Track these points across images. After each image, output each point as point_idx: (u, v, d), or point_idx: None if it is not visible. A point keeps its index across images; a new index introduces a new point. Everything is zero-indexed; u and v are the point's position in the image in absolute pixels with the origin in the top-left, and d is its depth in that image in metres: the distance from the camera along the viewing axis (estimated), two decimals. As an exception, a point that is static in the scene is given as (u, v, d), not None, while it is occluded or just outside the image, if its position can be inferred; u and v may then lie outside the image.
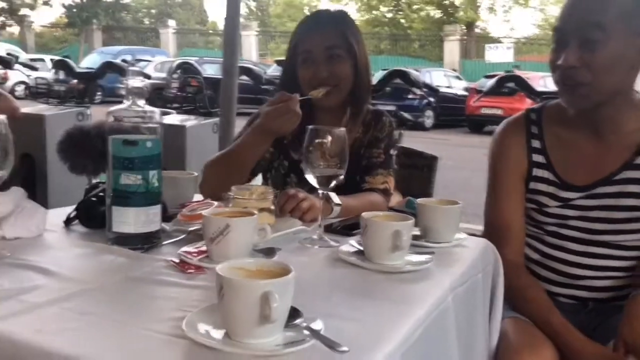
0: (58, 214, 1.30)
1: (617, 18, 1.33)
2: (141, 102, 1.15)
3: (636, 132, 1.44)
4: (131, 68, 1.30)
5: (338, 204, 1.48)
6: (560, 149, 1.51)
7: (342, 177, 1.27)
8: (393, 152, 1.78)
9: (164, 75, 14.69)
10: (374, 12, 31.22)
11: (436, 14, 30.39)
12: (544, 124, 1.54)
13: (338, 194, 1.49)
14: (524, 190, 1.53)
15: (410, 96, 13.15)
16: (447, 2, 30.04)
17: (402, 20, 30.66)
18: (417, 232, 1.30)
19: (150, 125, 1.15)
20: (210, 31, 34.33)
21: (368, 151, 1.74)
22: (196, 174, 1.57)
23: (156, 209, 1.15)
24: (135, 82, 1.14)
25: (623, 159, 1.44)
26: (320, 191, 1.29)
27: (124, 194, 1.12)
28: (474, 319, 1.21)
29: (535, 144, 1.53)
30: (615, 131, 1.45)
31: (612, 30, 1.32)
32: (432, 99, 13.90)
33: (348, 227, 1.37)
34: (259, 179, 1.82)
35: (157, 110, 1.16)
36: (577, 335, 1.36)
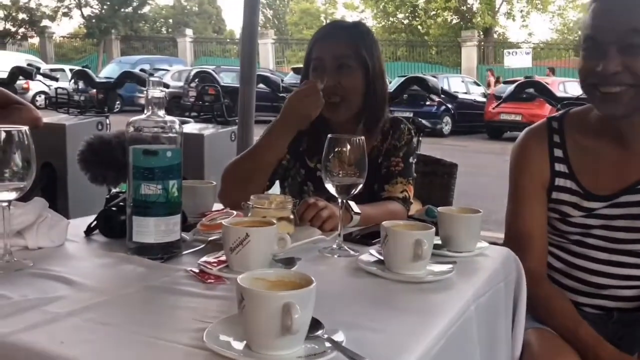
0: (79, 224, 1.31)
1: None
2: (161, 112, 1.15)
3: None
4: (151, 78, 1.31)
5: (358, 213, 1.47)
6: (583, 157, 1.48)
7: (361, 185, 1.26)
8: (412, 160, 1.77)
9: (181, 84, 14.88)
10: (391, 18, 31.23)
11: (453, 19, 30.31)
12: (566, 132, 1.52)
13: (357, 203, 1.48)
14: (545, 200, 1.51)
15: (427, 103, 13.12)
16: (464, 7, 29.95)
17: (419, 27, 30.61)
18: (438, 241, 1.29)
19: (171, 135, 1.15)
20: (228, 40, 34.61)
21: (386, 160, 1.73)
22: (215, 183, 1.58)
23: (176, 219, 1.16)
24: (155, 92, 1.15)
25: None
26: (339, 200, 1.28)
27: (144, 204, 1.12)
28: (496, 329, 1.19)
29: (558, 153, 1.51)
30: (639, 139, 1.42)
31: None
32: (450, 106, 13.83)
33: (367, 236, 1.36)
34: (276, 189, 1.82)
35: (177, 120, 1.17)
36: (608, 346, 1.34)
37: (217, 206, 1.54)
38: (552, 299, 1.44)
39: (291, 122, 1.61)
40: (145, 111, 1.15)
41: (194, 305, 0.93)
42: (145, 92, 1.15)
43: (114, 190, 1.36)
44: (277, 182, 1.82)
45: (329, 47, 1.68)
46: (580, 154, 1.49)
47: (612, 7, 1.35)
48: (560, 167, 1.50)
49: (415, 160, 1.79)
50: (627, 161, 1.44)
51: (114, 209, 1.27)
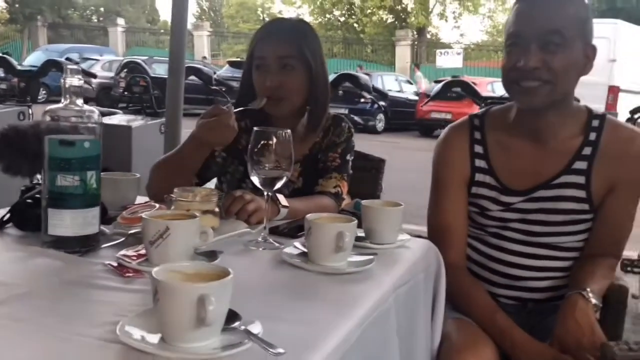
0: (-10, 217, 1.25)
1: (571, 24, 1.40)
2: (79, 102, 1.12)
3: (574, 137, 1.49)
4: (69, 66, 1.24)
5: (285, 206, 1.48)
6: (502, 154, 1.54)
7: (285, 178, 1.27)
8: (349, 157, 1.79)
9: (112, 74, 14.41)
10: (327, 15, 31.40)
11: (388, 18, 30.79)
12: (486, 129, 1.57)
13: (293, 197, 1.49)
14: (466, 194, 1.56)
15: (362, 100, 13.28)
16: (399, 7, 30.47)
17: (355, 25, 30.93)
18: (361, 233, 1.32)
19: (89, 125, 1.12)
20: (161, 30, 33.73)
21: (324, 155, 1.75)
22: (138, 175, 1.54)
23: (94, 211, 1.13)
24: (74, 80, 1.11)
25: (562, 163, 1.49)
26: (265, 193, 1.28)
27: (60, 196, 1.09)
28: (415, 319, 1.23)
29: (478, 149, 1.56)
30: (554, 137, 1.49)
31: (570, 36, 1.39)
32: (383, 103, 14.06)
33: (294, 229, 1.37)
34: (213, 183, 1.80)
35: (95, 109, 1.14)
36: (522, 333, 1.40)
37: (140, 199, 1.51)
38: (470, 289, 1.50)
39: (202, 148, 1.57)
40: (62, 100, 1.11)
41: (111, 300, 0.91)
42: (62, 80, 1.11)
43: (30, 182, 1.31)
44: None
45: (272, 46, 1.67)
46: (500, 151, 1.55)
47: (535, 8, 1.42)
48: (480, 162, 1.55)
49: (352, 157, 1.81)
50: (543, 157, 1.50)
51: (29, 201, 1.22)
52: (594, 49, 1.44)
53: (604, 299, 1.40)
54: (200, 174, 1.67)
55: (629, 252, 2.91)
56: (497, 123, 1.57)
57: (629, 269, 2.93)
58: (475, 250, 1.60)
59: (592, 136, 1.49)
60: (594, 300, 1.35)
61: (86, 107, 1.13)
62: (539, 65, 1.38)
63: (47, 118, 1.11)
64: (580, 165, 1.48)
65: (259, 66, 1.67)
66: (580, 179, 1.48)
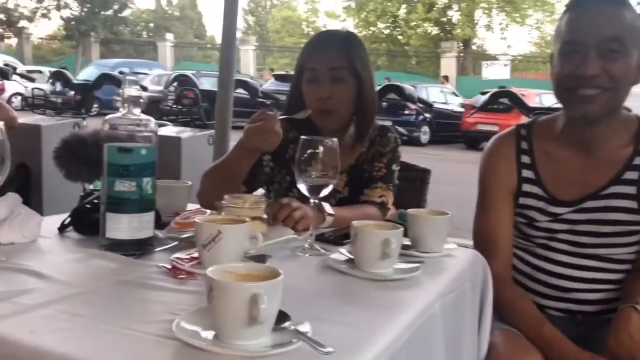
0: (52, 221, 1.31)
1: (629, 32, 1.38)
2: (137, 111, 1.17)
3: (623, 147, 1.47)
4: (128, 77, 1.30)
5: (331, 214, 1.50)
6: (550, 164, 1.53)
7: (331, 186, 1.29)
8: (395, 167, 1.80)
9: (160, 88, 14.78)
10: (372, 28, 31.46)
11: (433, 30, 30.64)
12: (533, 139, 1.56)
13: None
14: (512, 204, 1.55)
15: (406, 112, 13.23)
16: (444, 19, 30.30)
17: (400, 37, 30.89)
18: (407, 242, 1.33)
19: (145, 134, 1.17)
20: (208, 45, 34.51)
21: (369, 165, 1.77)
22: (190, 183, 1.59)
23: (149, 216, 1.17)
24: (131, 90, 1.17)
25: (611, 174, 1.47)
26: (311, 200, 1.31)
27: (117, 201, 1.14)
28: (461, 328, 1.22)
29: (525, 159, 1.55)
30: (604, 147, 1.47)
31: (628, 43, 1.37)
32: (428, 115, 13.96)
33: (340, 237, 1.39)
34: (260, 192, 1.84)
35: (152, 118, 1.19)
36: (570, 344, 1.37)
37: (192, 206, 1.56)
38: (516, 300, 1.48)
39: (249, 153, 1.59)
40: (121, 109, 1.17)
41: (164, 299, 0.94)
42: (121, 90, 1.17)
43: (88, 188, 1.37)
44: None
45: (323, 57, 1.69)
46: (547, 161, 1.53)
47: (592, 15, 1.39)
48: (527, 173, 1.54)
49: (398, 168, 1.82)
50: (592, 168, 1.48)
51: (88, 206, 1.28)
52: None
53: None
54: (248, 183, 1.70)
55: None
56: (545, 133, 1.55)
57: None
58: (522, 262, 1.58)
59: None
60: None
61: (143, 116, 1.17)
62: (598, 73, 1.36)
63: (106, 127, 1.16)
64: (631, 175, 1.45)
65: (310, 78, 1.69)
66: (631, 190, 1.45)
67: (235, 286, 0.74)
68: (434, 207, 2.07)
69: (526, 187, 1.53)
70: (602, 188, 1.47)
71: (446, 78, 20.17)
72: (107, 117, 1.17)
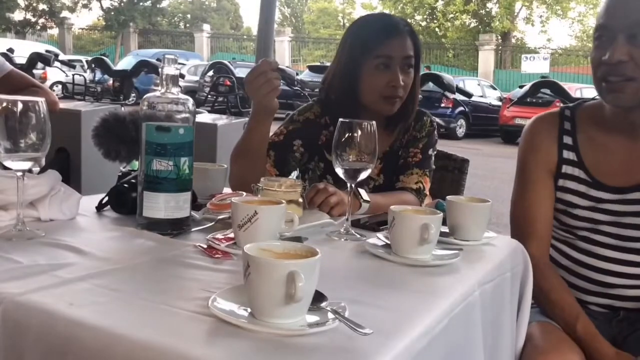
0: (91, 200, 1.33)
1: None
2: (175, 90, 1.16)
3: None
4: (167, 56, 1.29)
5: (367, 201, 1.48)
6: (593, 148, 1.48)
7: (369, 170, 1.27)
8: (432, 152, 1.77)
9: (197, 78, 14.93)
10: (409, 20, 31.06)
11: (471, 23, 30.18)
12: (577, 121, 1.51)
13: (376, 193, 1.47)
14: (552, 185, 1.50)
15: (442, 104, 13.07)
16: (482, 11, 29.80)
17: (437, 29, 30.52)
18: (446, 229, 1.30)
19: (183, 114, 1.16)
20: (245, 36, 34.66)
21: (405, 151, 1.74)
22: (226, 166, 1.59)
23: (186, 196, 1.17)
24: (170, 69, 1.16)
25: None
26: (348, 184, 1.29)
27: (155, 180, 1.14)
28: (500, 318, 1.19)
29: (567, 140, 1.50)
30: None
31: None
32: (465, 108, 13.77)
33: (376, 223, 1.37)
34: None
35: (190, 98, 1.18)
36: (604, 343, 1.34)
37: (227, 190, 1.56)
38: (553, 291, 1.44)
39: (258, 117, 1.56)
40: (160, 88, 1.17)
41: (201, 277, 0.94)
42: (160, 69, 1.17)
43: (126, 168, 1.38)
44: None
45: (398, 44, 1.65)
46: (591, 144, 1.48)
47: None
48: (569, 154, 1.49)
49: (434, 152, 1.79)
50: (637, 156, 1.43)
51: (125, 185, 1.29)
52: None
53: None
54: (279, 167, 1.69)
55: None
56: (590, 117, 1.51)
57: None
58: (564, 256, 1.53)
59: None
60: None
61: (182, 95, 1.17)
62: (625, 59, 1.31)
63: (145, 106, 1.16)
64: None
65: (385, 64, 1.63)
66: None
67: (273, 263, 0.72)
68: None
69: (567, 169, 1.49)
70: None
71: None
72: (146, 95, 1.17)
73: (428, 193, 1.78)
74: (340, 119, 1.28)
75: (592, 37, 1.43)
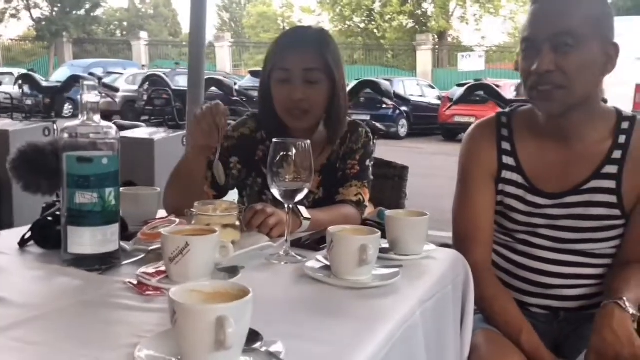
0: (12, 235, 1.24)
1: (585, 23, 1.35)
2: (96, 118, 1.10)
3: (603, 141, 1.44)
4: (86, 82, 1.22)
5: (307, 218, 1.45)
6: (530, 153, 1.50)
7: (307, 190, 1.24)
8: (369, 163, 1.75)
9: (135, 87, 14.59)
10: (347, 22, 31.43)
11: (408, 23, 30.69)
12: (514, 127, 1.53)
13: (315, 208, 1.45)
14: (493, 190, 1.52)
15: (384, 106, 13.22)
16: (419, 12, 30.37)
17: (375, 31, 30.90)
18: (386, 244, 1.29)
19: (107, 141, 1.11)
20: (184, 43, 34.14)
21: (343, 163, 1.72)
22: (159, 189, 1.53)
23: (114, 228, 1.11)
24: (90, 96, 1.10)
25: (591, 168, 1.44)
26: (285, 205, 1.26)
27: (79, 214, 1.07)
28: (444, 332, 1.19)
29: (505, 146, 1.52)
30: (582, 140, 1.45)
31: (582, 35, 1.34)
32: (405, 108, 13.98)
33: (316, 241, 1.34)
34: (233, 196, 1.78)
35: (113, 125, 1.12)
36: (547, 353, 1.36)
37: (162, 213, 1.50)
38: (496, 301, 1.45)
39: (196, 150, 1.57)
40: (80, 116, 1.10)
41: (130, 320, 0.89)
42: (79, 96, 1.11)
43: (51, 199, 1.30)
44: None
45: (297, 58, 1.61)
46: (528, 150, 1.50)
47: (545, 9, 1.38)
48: (508, 160, 1.51)
49: (372, 163, 1.77)
50: (571, 161, 1.46)
51: (49, 218, 1.22)
52: (615, 47, 1.39)
53: None
54: (216, 187, 1.65)
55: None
56: (525, 122, 1.53)
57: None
58: (504, 258, 1.55)
59: (622, 139, 1.43)
60: (631, 310, 1.29)
61: (104, 122, 1.11)
62: (551, 68, 1.34)
63: (65, 135, 1.10)
64: (611, 169, 1.43)
65: (283, 79, 1.62)
66: (611, 184, 1.43)
67: (199, 309, 0.68)
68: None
69: (506, 174, 1.50)
70: (582, 183, 1.44)
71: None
72: (66, 125, 1.11)
73: (368, 204, 1.77)
74: (274, 139, 1.25)
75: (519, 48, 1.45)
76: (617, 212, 1.43)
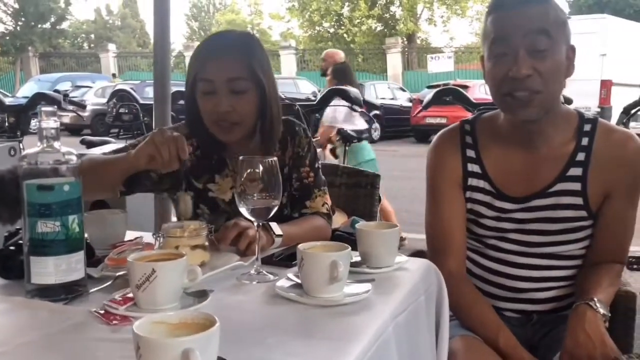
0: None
1: (556, 24, 1.36)
2: (57, 144, 1.08)
3: (566, 143, 1.46)
4: (43, 109, 1.18)
5: (279, 235, 1.43)
6: (495, 159, 1.51)
7: (276, 208, 1.23)
8: (318, 164, 1.71)
9: (104, 100, 14.40)
10: (317, 28, 31.49)
11: (377, 27, 30.88)
12: (478, 134, 1.54)
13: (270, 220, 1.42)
14: (462, 199, 1.52)
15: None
16: (387, 15, 30.58)
17: (345, 35, 31.01)
18: (358, 257, 1.28)
19: (69, 165, 1.08)
20: (152, 53, 33.81)
21: (295, 172, 1.66)
22: (126, 211, 1.50)
23: (79, 256, 1.09)
24: (49, 122, 1.08)
25: (556, 171, 1.46)
26: (254, 223, 1.24)
27: (41, 243, 1.05)
28: (418, 344, 1.19)
29: (470, 153, 1.53)
30: (546, 144, 1.46)
31: (555, 36, 1.35)
32: (378, 112, 14.05)
33: (288, 257, 1.33)
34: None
35: (74, 151, 1.10)
36: (525, 354, 1.37)
37: (130, 234, 1.47)
38: (473, 307, 1.45)
39: (143, 161, 1.39)
40: (39, 143, 1.08)
41: (97, 353, 0.87)
42: (37, 122, 1.08)
43: (14, 228, 1.27)
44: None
45: (220, 67, 1.50)
46: (492, 156, 1.51)
47: (515, 12, 1.36)
48: (473, 167, 1.52)
49: (319, 163, 1.73)
50: (536, 164, 1.47)
51: (12, 248, 1.18)
52: (574, 50, 1.41)
53: (611, 307, 1.36)
54: (128, 185, 1.47)
55: (635, 248, 2.87)
56: (489, 128, 1.54)
57: (635, 266, 2.87)
58: (476, 265, 1.56)
59: (585, 141, 1.45)
60: (602, 311, 1.31)
61: (64, 148, 1.09)
62: (530, 72, 1.33)
63: (24, 163, 1.07)
64: (575, 171, 1.44)
65: (207, 91, 1.51)
66: (576, 186, 1.44)
67: (164, 343, 0.67)
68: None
69: (472, 182, 1.51)
70: (548, 186, 1.46)
71: None
72: (25, 152, 1.08)
73: (341, 212, 1.76)
74: (241, 157, 1.23)
75: (483, 51, 1.44)
76: (583, 213, 1.45)
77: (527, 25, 1.34)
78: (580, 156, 1.45)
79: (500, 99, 1.41)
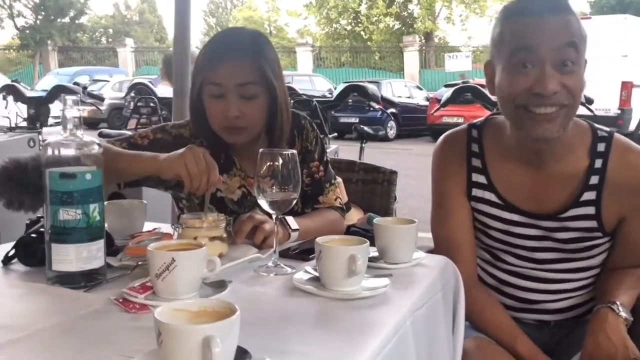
0: (-5, 252, 1.23)
1: (581, 36, 1.27)
2: (79, 133, 1.09)
3: (579, 162, 1.37)
4: (67, 97, 1.20)
5: (295, 229, 1.43)
6: (502, 172, 1.42)
7: (295, 200, 1.23)
8: (327, 158, 1.69)
9: (122, 94, 14.51)
10: (334, 25, 31.45)
11: (395, 25, 30.78)
12: (485, 142, 1.45)
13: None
14: (469, 207, 1.45)
15: (372, 109, 13.23)
16: (405, 13, 30.46)
17: (362, 33, 30.94)
18: (375, 253, 1.28)
19: (91, 154, 1.09)
20: (170, 49, 34.00)
21: (305, 167, 1.63)
22: (145, 202, 1.51)
23: (99, 244, 1.10)
24: (72, 111, 1.09)
25: (567, 193, 1.37)
26: (273, 216, 1.25)
27: (63, 231, 1.06)
28: (435, 339, 1.18)
29: (476, 162, 1.44)
30: (557, 162, 1.37)
31: (581, 49, 1.26)
32: (393, 110, 14.00)
33: (305, 251, 1.33)
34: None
35: (96, 140, 1.11)
36: (545, 358, 1.35)
37: (148, 226, 1.48)
38: (486, 311, 1.42)
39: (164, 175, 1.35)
40: (62, 132, 1.09)
41: (116, 339, 0.87)
42: (61, 111, 1.09)
43: (35, 215, 1.28)
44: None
45: (230, 71, 1.43)
46: (500, 168, 1.43)
47: (544, 22, 1.25)
48: (478, 177, 1.44)
49: (327, 156, 1.71)
50: (546, 183, 1.39)
51: (33, 235, 1.20)
52: (586, 63, 1.31)
53: (632, 310, 1.34)
54: (135, 180, 1.47)
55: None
56: (498, 136, 1.43)
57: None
58: (489, 275, 1.52)
59: (598, 163, 1.36)
60: (624, 314, 1.29)
61: (87, 137, 1.10)
62: (558, 89, 1.23)
63: (48, 151, 1.08)
64: (589, 196, 1.36)
65: (215, 94, 1.45)
66: (590, 210, 1.37)
67: (185, 330, 0.67)
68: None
69: (477, 192, 1.43)
70: (560, 211, 1.38)
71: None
72: (48, 140, 1.09)
73: (353, 208, 1.75)
74: (261, 150, 1.23)
75: (494, 59, 1.35)
76: (598, 234, 1.39)
77: (556, 37, 1.24)
78: (594, 179, 1.36)
79: (512, 111, 1.30)
